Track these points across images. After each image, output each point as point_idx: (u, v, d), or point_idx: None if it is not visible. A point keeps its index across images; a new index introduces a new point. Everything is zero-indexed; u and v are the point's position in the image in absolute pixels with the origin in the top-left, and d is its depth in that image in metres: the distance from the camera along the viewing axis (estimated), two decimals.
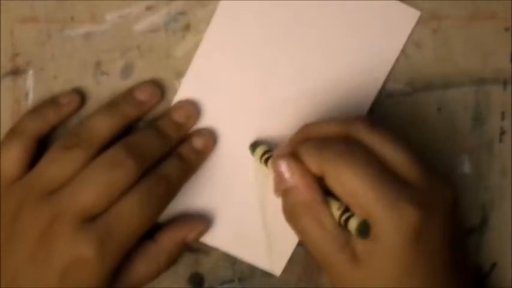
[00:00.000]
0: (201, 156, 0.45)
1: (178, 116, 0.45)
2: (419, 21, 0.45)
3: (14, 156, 0.42)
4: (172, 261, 0.44)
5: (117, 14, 0.45)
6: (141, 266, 0.42)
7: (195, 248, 0.46)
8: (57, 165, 0.41)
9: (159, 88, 0.45)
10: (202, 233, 0.45)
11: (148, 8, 0.45)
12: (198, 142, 0.45)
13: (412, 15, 0.45)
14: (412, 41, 0.45)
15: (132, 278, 0.42)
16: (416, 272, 0.38)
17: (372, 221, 0.38)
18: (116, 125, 0.43)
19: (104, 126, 0.42)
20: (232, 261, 0.46)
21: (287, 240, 0.45)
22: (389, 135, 0.40)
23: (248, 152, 0.45)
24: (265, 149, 0.44)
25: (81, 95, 0.45)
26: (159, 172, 0.42)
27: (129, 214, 0.40)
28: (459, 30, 0.46)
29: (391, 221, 0.37)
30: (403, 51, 0.45)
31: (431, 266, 0.38)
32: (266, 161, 0.43)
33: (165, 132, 0.44)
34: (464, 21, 0.46)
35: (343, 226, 0.39)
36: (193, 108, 0.45)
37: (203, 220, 0.45)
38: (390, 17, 0.45)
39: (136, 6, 0.45)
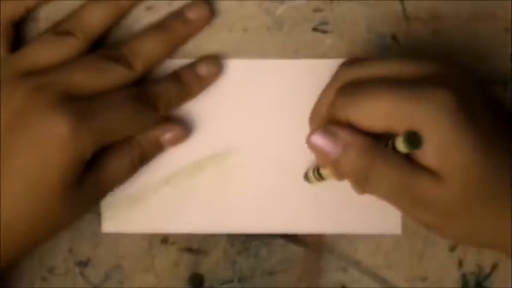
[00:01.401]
0: (202, 84, 0.44)
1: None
2: (420, 22, 0.45)
3: None
4: (146, 158, 0.44)
5: None
6: (115, 159, 0.42)
7: (195, 248, 0.46)
8: (47, 47, 0.41)
9: None
10: (179, 138, 0.44)
11: (149, 8, 0.45)
12: (203, 68, 0.44)
13: None
14: (412, 42, 0.45)
15: (107, 172, 0.42)
16: (488, 144, 0.37)
17: (419, 128, 0.36)
18: (109, 15, 0.43)
19: (96, 16, 0.42)
20: (232, 261, 0.46)
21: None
22: (378, 58, 0.40)
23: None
24: (312, 169, 0.43)
25: None
26: (153, 87, 0.42)
27: (113, 106, 0.40)
28: (459, 30, 0.46)
29: (436, 112, 0.36)
30: (403, 51, 0.45)
31: (493, 133, 0.38)
32: (318, 174, 0.42)
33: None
34: (464, 21, 0.46)
35: (402, 150, 0.37)
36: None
37: (182, 126, 0.44)
38: None
39: (136, 6, 0.45)
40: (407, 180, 0.38)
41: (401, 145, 0.37)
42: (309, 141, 0.39)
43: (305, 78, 0.45)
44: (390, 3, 0.45)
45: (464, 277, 0.46)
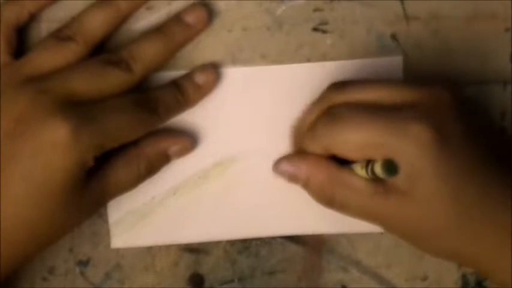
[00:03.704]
0: (199, 92, 0.44)
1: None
2: (420, 22, 0.45)
3: None
4: (153, 169, 0.44)
5: None
6: (121, 168, 0.42)
7: (195, 248, 0.46)
8: (49, 53, 0.41)
9: None
10: (187, 149, 0.44)
11: (149, 8, 0.45)
12: (199, 77, 0.44)
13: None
14: (412, 42, 0.45)
15: (112, 181, 0.42)
16: (461, 174, 0.39)
17: (394, 156, 0.38)
18: (110, 20, 0.43)
19: (98, 21, 0.42)
20: (232, 261, 0.46)
21: None
22: (361, 82, 0.41)
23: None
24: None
25: None
26: (153, 93, 0.42)
27: (113, 111, 0.40)
28: (459, 30, 0.46)
29: (409, 145, 0.38)
30: (403, 51, 0.45)
31: (471, 163, 0.39)
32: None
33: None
34: (464, 21, 0.46)
35: (374, 176, 0.39)
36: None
37: (189, 137, 0.45)
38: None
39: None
40: (371, 202, 0.40)
41: (379, 171, 0.38)
42: (275, 167, 0.43)
43: (303, 82, 0.45)
44: (390, 3, 0.45)
45: (464, 277, 0.46)
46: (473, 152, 0.39)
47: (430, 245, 0.41)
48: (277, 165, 0.43)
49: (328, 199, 0.41)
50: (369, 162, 0.39)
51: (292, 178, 0.43)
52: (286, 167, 0.43)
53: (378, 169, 0.38)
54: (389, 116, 0.39)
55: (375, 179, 0.39)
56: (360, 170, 0.40)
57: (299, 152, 0.43)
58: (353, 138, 0.39)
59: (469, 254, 0.40)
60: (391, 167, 0.37)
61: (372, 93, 0.40)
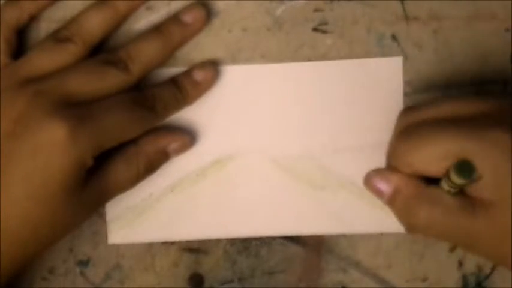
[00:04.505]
0: (198, 90, 0.44)
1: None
2: (420, 22, 0.45)
3: None
4: (152, 167, 0.44)
5: None
6: (120, 166, 0.42)
7: (195, 248, 0.46)
8: (48, 54, 0.41)
9: None
10: (186, 146, 0.44)
11: (149, 8, 0.45)
12: (198, 74, 0.44)
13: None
14: (412, 42, 0.45)
15: (111, 180, 0.42)
16: None
17: (477, 163, 0.37)
18: (108, 21, 0.43)
19: (96, 22, 0.42)
20: (232, 261, 0.46)
21: None
22: (434, 99, 0.41)
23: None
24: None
25: None
26: (151, 90, 0.42)
27: (111, 110, 0.40)
28: (459, 30, 0.45)
29: (489, 150, 0.37)
30: (403, 51, 0.45)
31: None
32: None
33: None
34: (464, 21, 0.45)
35: (455, 188, 0.38)
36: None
37: (188, 134, 0.45)
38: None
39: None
40: (458, 219, 0.38)
41: (454, 177, 0.37)
42: (365, 179, 0.42)
43: (302, 81, 0.45)
44: (390, 3, 0.45)
45: (464, 277, 0.46)
46: None
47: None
48: (366, 177, 0.42)
49: (412, 217, 0.40)
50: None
51: (379, 191, 0.41)
52: (375, 179, 0.41)
53: (454, 176, 0.37)
54: (467, 125, 0.38)
55: (463, 196, 0.38)
56: (447, 187, 0.38)
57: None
58: (432, 150, 0.38)
59: None
60: (465, 167, 0.36)
61: (446, 108, 0.40)
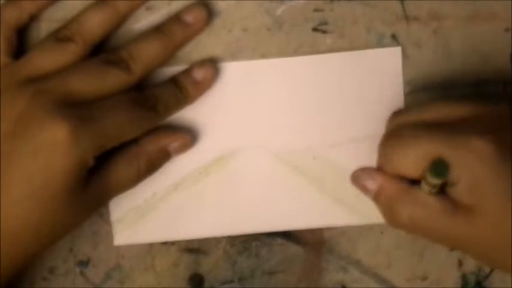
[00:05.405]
0: (198, 88, 0.44)
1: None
2: (420, 22, 0.45)
3: None
4: (154, 167, 0.44)
5: None
6: (121, 166, 0.42)
7: (195, 248, 0.46)
8: (48, 54, 0.41)
9: None
10: (187, 145, 0.45)
11: (148, 8, 0.45)
12: (198, 73, 0.44)
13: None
14: (412, 42, 0.45)
15: (113, 179, 0.42)
16: None
17: (455, 167, 0.37)
18: (109, 21, 0.43)
19: (96, 22, 0.42)
20: (232, 261, 0.46)
21: None
22: (419, 103, 0.42)
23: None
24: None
25: None
26: (152, 90, 0.43)
27: (112, 110, 0.40)
28: (459, 30, 0.46)
29: (469, 157, 0.38)
30: (403, 51, 0.45)
31: None
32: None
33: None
34: (464, 21, 0.45)
35: (434, 189, 0.39)
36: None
37: (189, 133, 0.45)
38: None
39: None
40: (440, 221, 0.39)
41: (430, 177, 0.38)
42: (352, 176, 0.43)
43: (303, 75, 0.45)
44: (390, 3, 0.45)
45: (464, 277, 0.46)
46: None
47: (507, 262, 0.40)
48: (354, 174, 0.43)
49: (396, 215, 0.40)
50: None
51: (364, 188, 0.42)
52: (361, 177, 0.42)
53: (429, 175, 0.37)
54: (449, 130, 0.39)
55: (443, 197, 0.39)
56: (427, 188, 0.39)
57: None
58: (412, 153, 0.39)
59: None
60: (440, 167, 0.37)
61: (429, 112, 0.40)
